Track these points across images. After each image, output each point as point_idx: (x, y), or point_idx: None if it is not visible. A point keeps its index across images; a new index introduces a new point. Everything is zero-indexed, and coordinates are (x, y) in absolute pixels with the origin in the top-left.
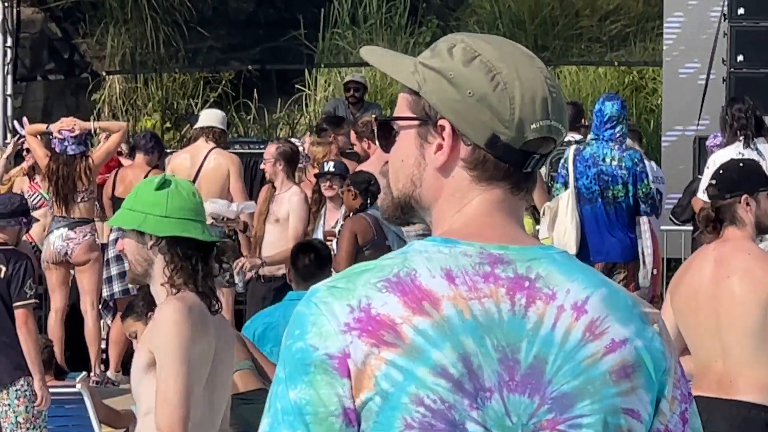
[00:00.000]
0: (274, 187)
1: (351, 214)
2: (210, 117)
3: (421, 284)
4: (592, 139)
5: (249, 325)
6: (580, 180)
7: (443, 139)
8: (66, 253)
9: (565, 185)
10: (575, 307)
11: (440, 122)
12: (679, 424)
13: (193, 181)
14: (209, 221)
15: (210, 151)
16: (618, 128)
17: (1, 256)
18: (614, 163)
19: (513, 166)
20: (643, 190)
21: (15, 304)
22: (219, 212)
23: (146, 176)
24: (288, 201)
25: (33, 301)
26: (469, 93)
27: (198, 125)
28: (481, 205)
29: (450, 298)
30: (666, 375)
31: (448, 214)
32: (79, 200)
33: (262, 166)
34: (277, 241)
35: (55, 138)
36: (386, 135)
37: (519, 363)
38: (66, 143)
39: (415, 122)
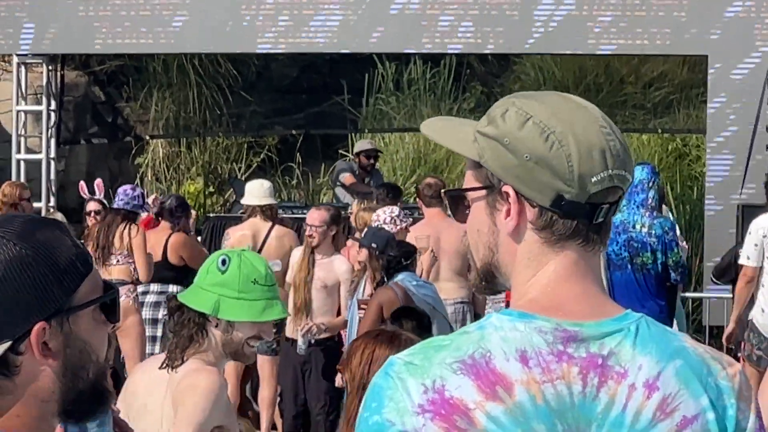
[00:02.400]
0: (313, 252)
1: (376, 278)
2: (259, 193)
3: (495, 367)
4: (623, 206)
5: None
6: (610, 246)
7: (510, 204)
8: None
9: None
10: (647, 385)
11: (504, 188)
12: None
13: None
14: None
15: (271, 228)
16: (650, 194)
17: None
18: (644, 230)
19: (582, 221)
20: (674, 258)
21: None
22: None
23: (168, 239)
24: (338, 269)
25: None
26: (527, 157)
27: (248, 202)
28: (556, 271)
29: (523, 382)
30: None
31: (525, 278)
32: (114, 262)
33: (308, 232)
34: (323, 306)
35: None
36: (458, 206)
37: None
38: (118, 196)
39: (482, 191)
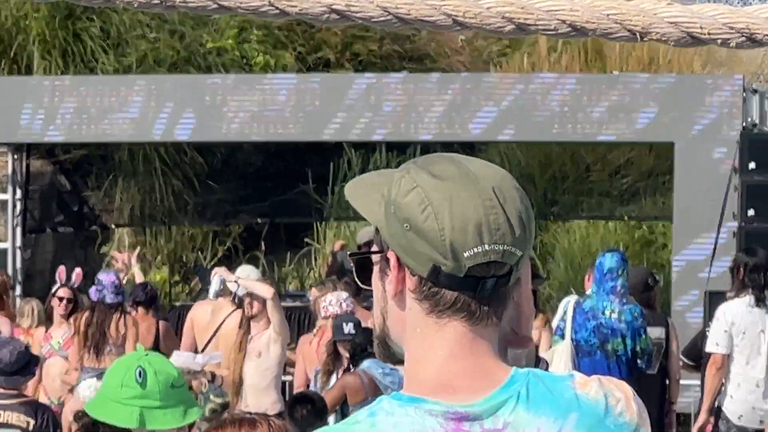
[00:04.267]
0: (249, 328)
1: (350, 360)
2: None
3: None
4: (593, 292)
5: None
6: (579, 332)
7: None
8: None
9: (563, 337)
10: None
11: (388, 254)
12: None
13: (211, 337)
14: None
15: (233, 311)
16: (619, 281)
17: (27, 409)
18: (614, 316)
19: (464, 294)
20: (641, 345)
21: None
22: (184, 365)
23: (157, 329)
24: (267, 333)
25: None
26: (406, 226)
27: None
28: (445, 348)
29: None
30: None
31: (416, 355)
32: (108, 351)
33: (247, 301)
34: (259, 383)
35: (94, 286)
36: (363, 272)
37: None
38: (104, 292)
39: (377, 256)
